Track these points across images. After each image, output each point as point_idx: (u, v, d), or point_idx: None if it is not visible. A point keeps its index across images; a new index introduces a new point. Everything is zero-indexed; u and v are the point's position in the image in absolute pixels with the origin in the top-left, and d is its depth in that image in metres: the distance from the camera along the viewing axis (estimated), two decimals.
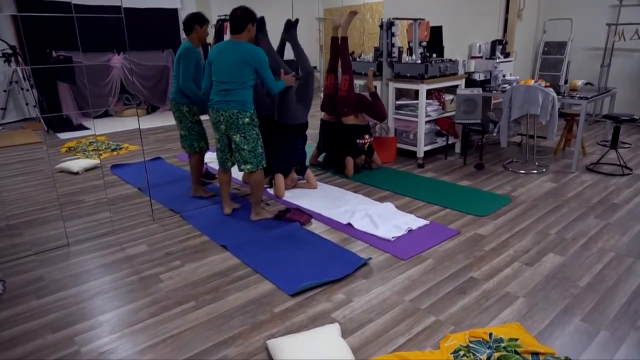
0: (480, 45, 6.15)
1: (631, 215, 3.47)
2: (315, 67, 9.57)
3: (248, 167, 3.29)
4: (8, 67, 6.94)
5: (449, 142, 5.12)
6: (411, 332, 2.16)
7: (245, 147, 3.23)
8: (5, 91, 7.20)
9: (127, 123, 7.46)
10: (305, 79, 3.99)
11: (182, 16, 8.63)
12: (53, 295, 2.53)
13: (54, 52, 7.20)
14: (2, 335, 2.20)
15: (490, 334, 2.08)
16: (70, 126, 7.24)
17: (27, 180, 4.59)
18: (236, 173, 4.58)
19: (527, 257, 2.86)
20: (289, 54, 4.23)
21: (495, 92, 4.99)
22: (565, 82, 7.11)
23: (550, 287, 2.52)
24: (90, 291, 2.57)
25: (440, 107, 4.97)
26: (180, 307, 2.40)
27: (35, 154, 5.63)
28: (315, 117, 5.16)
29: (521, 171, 4.57)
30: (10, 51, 6.78)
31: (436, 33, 5.36)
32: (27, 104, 7.33)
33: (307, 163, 4.42)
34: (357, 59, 5.30)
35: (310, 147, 5.00)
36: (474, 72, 5.39)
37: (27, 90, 7.16)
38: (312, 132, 5.69)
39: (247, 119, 3.19)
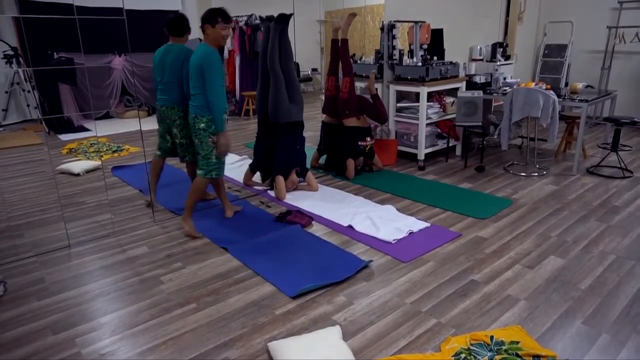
0: (480, 48, 6.16)
1: (632, 218, 3.47)
2: (315, 69, 9.60)
3: (199, 172, 3.23)
4: (9, 69, 6.95)
5: (450, 144, 5.12)
6: (412, 335, 2.16)
7: (200, 152, 3.18)
8: (6, 92, 7.21)
9: (128, 124, 7.47)
10: (291, 78, 3.98)
11: None
12: (54, 297, 2.53)
13: (55, 53, 7.21)
14: (4, 337, 2.20)
15: (492, 337, 2.08)
16: (71, 128, 7.25)
17: (28, 182, 4.59)
18: (236, 175, 4.59)
19: (528, 260, 2.85)
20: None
21: (496, 94, 5.00)
22: (566, 84, 7.11)
23: (552, 289, 2.52)
24: (91, 293, 2.57)
25: (441, 110, 4.98)
26: (181, 309, 2.40)
27: (37, 156, 5.63)
28: (316, 119, 5.16)
29: (522, 174, 4.57)
30: (11, 52, 6.80)
31: (437, 36, 5.36)
32: (28, 106, 7.34)
33: (308, 165, 4.42)
34: (358, 62, 5.30)
35: (311, 149, 5.01)
36: (474, 75, 5.40)
37: (29, 91, 7.17)
38: (313, 134, 5.70)
39: (202, 124, 3.10)
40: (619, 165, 4.69)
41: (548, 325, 2.21)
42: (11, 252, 3.09)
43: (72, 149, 5.81)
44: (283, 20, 3.90)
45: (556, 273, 2.69)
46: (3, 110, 7.24)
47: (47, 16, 3.44)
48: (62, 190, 4.33)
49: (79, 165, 4.89)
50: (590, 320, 2.24)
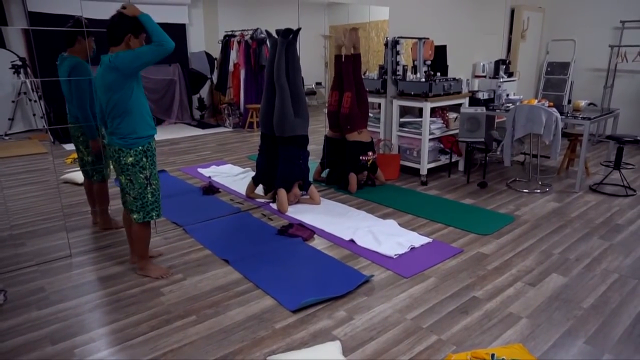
0: (484, 65, 6.20)
1: (635, 236, 3.45)
2: (320, 83, 9.66)
3: (135, 216, 2.73)
4: (17, 79, 7.04)
5: (453, 160, 5.13)
6: (413, 352, 2.14)
7: (130, 192, 2.70)
8: (13, 102, 7.28)
9: None
10: (297, 92, 4.01)
11: (190, 32, 8.77)
12: (54, 307, 2.53)
13: None
14: (2, 346, 2.19)
15: (493, 355, 2.05)
16: None
17: (32, 191, 4.61)
18: (239, 187, 4.60)
19: (530, 277, 2.84)
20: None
21: (498, 111, 5.02)
22: (569, 102, 7.14)
23: (554, 308, 2.50)
24: (91, 303, 2.57)
25: (444, 125, 5.00)
26: (181, 321, 2.39)
27: (41, 165, 5.67)
28: (319, 133, 5.19)
29: (524, 190, 4.57)
30: (19, 63, 6.88)
31: (440, 52, 5.42)
32: (34, 115, 7.40)
33: (311, 179, 4.43)
34: (362, 76, 5.34)
35: (314, 163, 5.02)
36: (477, 91, 5.43)
37: (35, 101, 7.24)
38: (316, 148, 5.72)
39: (130, 159, 2.63)
40: (622, 183, 4.68)
41: (550, 344, 2.19)
42: (13, 260, 3.09)
43: (76, 158, 5.84)
44: (289, 34, 3.96)
45: (558, 291, 2.67)
46: (9, 119, 7.30)
47: (56, 29, 3.49)
48: (65, 200, 4.34)
49: (82, 175, 4.91)
50: (592, 340, 2.22)
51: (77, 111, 3.26)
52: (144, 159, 2.65)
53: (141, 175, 2.67)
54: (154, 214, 2.76)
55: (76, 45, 3.27)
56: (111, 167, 3.41)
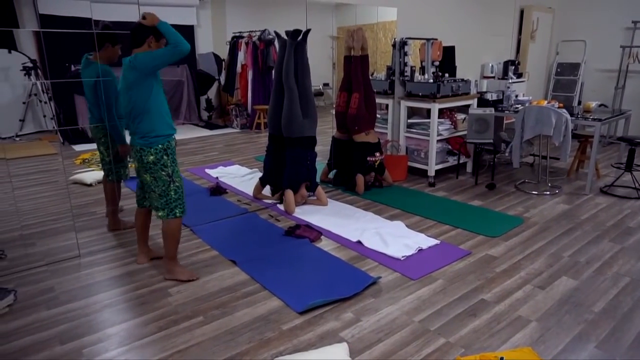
0: (492, 66, 6.16)
1: None
2: (327, 84, 9.67)
3: (160, 213, 2.80)
4: (28, 81, 7.11)
5: (461, 161, 5.10)
6: (420, 354, 2.13)
7: (155, 189, 2.76)
8: (24, 103, 7.36)
9: None
10: (306, 94, 4.01)
11: (198, 33, 8.82)
12: (63, 307, 2.54)
13: (72, 66, 7.36)
14: (12, 346, 2.21)
15: (501, 358, 2.04)
16: (85, 138, 7.35)
17: (41, 191, 4.66)
18: (246, 188, 4.61)
19: (540, 280, 2.81)
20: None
21: (507, 112, 4.98)
22: (579, 103, 7.07)
23: (564, 311, 2.47)
24: (100, 303, 2.58)
25: (452, 126, 4.97)
26: (188, 322, 2.40)
27: (51, 165, 5.72)
28: (326, 134, 5.19)
29: (533, 192, 4.53)
30: (30, 65, 6.96)
31: (449, 53, 5.39)
32: (44, 116, 7.47)
33: (318, 180, 4.43)
34: (370, 77, 5.32)
35: (321, 164, 5.02)
36: (486, 92, 5.40)
37: (45, 102, 7.31)
38: (323, 149, 5.72)
39: (151, 157, 2.69)
40: (633, 186, 4.62)
41: (560, 348, 2.16)
42: (23, 260, 3.12)
43: (86, 159, 5.89)
44: (297, 35, 3.97)
45: (568, 294, 2.64)
46: (20, 120, 7.38)
47: (67, 30, 3.52)
48: (75, 200, 4.38)
49: (91, 176, 4.95)
50: (604, 344, 2.19)
51: (104, 115, 3.37)
52: (165, 157, 2.72)
53: (163, 173, 2.73)
54: (177, 211, 2.80)
55: (103, 51, 3.33)
56: (128, 168, 3.65)
